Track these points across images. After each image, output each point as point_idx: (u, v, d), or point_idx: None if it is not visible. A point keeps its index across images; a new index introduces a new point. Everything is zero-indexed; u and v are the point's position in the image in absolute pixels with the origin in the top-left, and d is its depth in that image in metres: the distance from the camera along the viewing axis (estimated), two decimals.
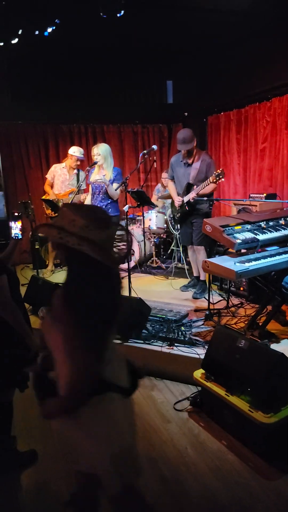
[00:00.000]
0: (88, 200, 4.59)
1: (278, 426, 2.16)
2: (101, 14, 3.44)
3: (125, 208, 3.75)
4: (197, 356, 2.96)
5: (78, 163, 5.13)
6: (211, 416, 2.59)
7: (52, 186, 5.24)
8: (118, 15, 3.45)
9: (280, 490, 2.01)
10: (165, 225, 5.57)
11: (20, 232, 2.28)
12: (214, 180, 3.69)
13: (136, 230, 5.54)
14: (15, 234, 2.27)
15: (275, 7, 4.25)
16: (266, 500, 1.95)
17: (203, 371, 2.65)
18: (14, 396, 2.21)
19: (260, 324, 3.30)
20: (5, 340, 1.97)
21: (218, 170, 3.68)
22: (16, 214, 2.30)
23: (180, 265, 5.33)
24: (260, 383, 2.24)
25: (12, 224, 2.26)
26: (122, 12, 3.45)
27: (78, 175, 5.14)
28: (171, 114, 6.82)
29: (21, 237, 2.29)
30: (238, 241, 2.96)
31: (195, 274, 4.56)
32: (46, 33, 3.80)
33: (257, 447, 2.27)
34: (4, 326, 1.93)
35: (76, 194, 4.63)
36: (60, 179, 5.18)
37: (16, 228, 2.27)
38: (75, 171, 5.16)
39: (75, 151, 5.07)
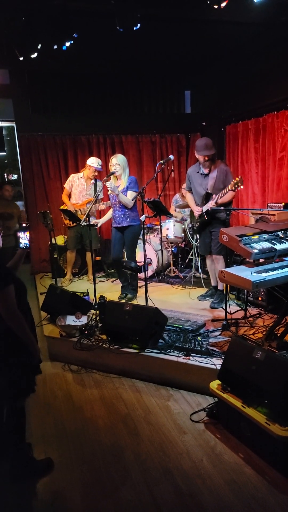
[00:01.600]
0: (109, 215, 4.65)
1: None
2: (118, 28, 3.52)
3: (142, 217, 3.79)
4: (213, 366, 2.94)
5: (96, 173, 5.21)
6: (228, 428, 2.55)
7: (69, 196, 5.34)
8: (134, 28, 3.52)
9: None
10: (183, 234, 5.58)
11: (29, 242, 2.36)
12: (233, 188, 3.68)
13: (153, 239, 5.57)
14: (24, 244, 2.34)
15: None
16: None
17: (220, 382, 2.62)
18: (25, 402, 2.24)
19: (279, 335, 3.24)
20: (11, 348, 2.02)
21: (237, 178, 3.66)
22: (24, 225, 2.38)
23: (198, 274, 5.32)
24: (277, 395, 2.21)
25: (21, 234, 2.33)
26: (139, 25, 3.51)
27: (95, 185, 5.22)
28: (189, 123, 6.88)
29: (29, 246, 2.36)
30: (255, 251, 2.94)
31: (213, 284, 4.53)
32: (64, 47, 3.91)
33: (274, 460, 2.23)
34: (10, 334, 1.98)
35: (94, 204, 4.70)
36: (78, 189, 5.27)
37: (25, 238, 2.34)
38: (93, 181, 5.24)
39: (93, 162, 5.16)
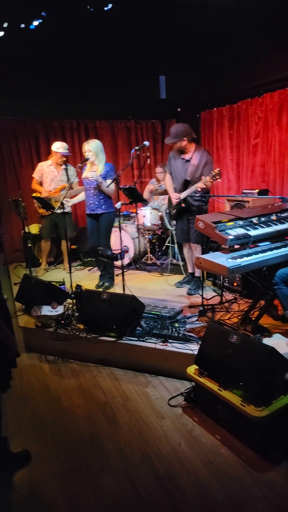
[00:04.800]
0: (82, 196, 4.57)
1: (270, 419, 2.18)
2: (88, 7, 3.39)
3: (118, 205, 3.74)
4: (191, 352, 2.97)
5: (64, 158, 5.08)
6: (205, 411, 2.60)
7: (41, 185, 5.20)
8: (105, 8, 3.41)
9: (271, 482, 2.03)
10: (160, 222, 5.56)
11: None
12: (211, 180, 3.67)
13: (130, 227, 5.53)
14: None
15: (267, 5, 4.23)
16: (257, 493, 1.97)
17: (197, 367, 2.66)
18: (2, 396, 2.20)
19: (253, 319, 3.31)
20: None
21: (216, 170, 3.66)
22: None
23: (175, 261, 5.34)
24: (252, 377, 2.26)
25: None
26: (110, 5, 3.40)
27: (67, 169, 5.09)
28: (164, 109, 6.81)
29: None
30: (230, 237, 2.96)
31: (190, 271, 4.56)
32: (32, 26, 3.74)
33: (250, 440, 2.29)
34: None
35: (69, 190, 4.60)
36: (49, 177, 5.14)
37: None
38: (63, 166, 5.11)
39: (58, 147, 5.01)
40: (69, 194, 4.82)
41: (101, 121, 6.47)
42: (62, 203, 3.97)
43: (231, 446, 2.31)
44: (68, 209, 5.15)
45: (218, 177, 3.64)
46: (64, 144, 5.06)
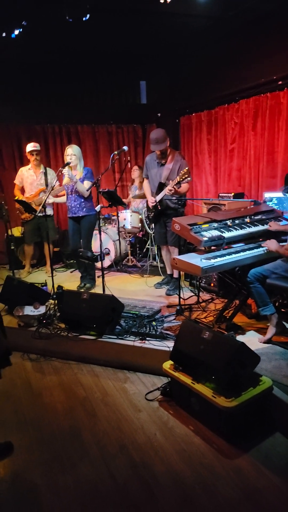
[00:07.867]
0: (63, 199, 4.68)
1: (239, 409, 2.33)
2: (67, 17, 3.51)
3: (97, 208, 3.86)
4: (167, 349, 3.12)
5: (38, 157, 5.18)
6: (180, 404, 2.74)
7: (23, 191, 5.30)
8: (84, 19, 3.53)
9: (239, 467, 2.18)
10: (140, 224, 5.70)
11: None
12: (180, 180, 3.82)
13: (111, 230, 5.65)
14: None
15: (244, 12, 4.44)
16: (226, 478, 2.11)
17: (172, 362, 2.80)
18: None
19: (228, 317, 3.48)
20: None
21: (184, 170, 3.81)
22: None
23: (155, 263, 5.48)
24: (222, 370, 2.41)
25: None
26: (88, 16, 3.52)
27: (45, 173, 5.22)
28: (145, 114, 6.96)
29: None
30: (205, 238, 3.13)
31: (168, 272, 4.71)
32: (13, 35, 3.85)
33: (220, 429, 2.44)
34: None
35: (49, 193, 4.70)
36: (29, 181, 5.25)
37: None
38: (42, 169, 5.23)
39: (28, 147, 5.16)
40: (50, 196, 4.93)
41: (82, 125, 6.58)
42: (44, 206, 4.06)
43: (203, 436, 2.45)
44: (49, 212, 5.23)
45: (187, 176, 3.77)
46: (31, 144, 5.19)
